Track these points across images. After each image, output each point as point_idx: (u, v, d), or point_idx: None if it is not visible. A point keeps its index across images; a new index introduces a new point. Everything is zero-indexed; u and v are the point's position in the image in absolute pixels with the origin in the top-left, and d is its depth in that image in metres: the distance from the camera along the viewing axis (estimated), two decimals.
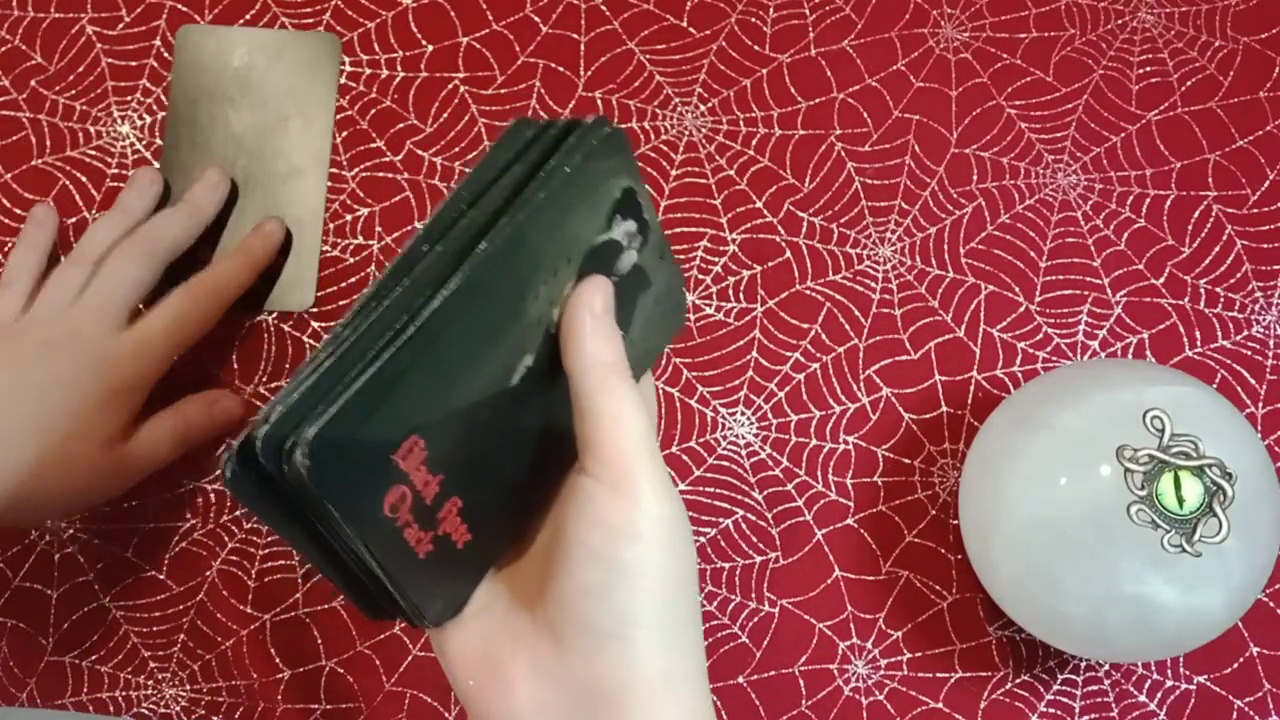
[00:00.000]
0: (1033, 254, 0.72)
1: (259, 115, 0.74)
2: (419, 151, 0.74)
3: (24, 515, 0.64)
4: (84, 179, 0.73)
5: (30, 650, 0.68)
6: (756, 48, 0.75)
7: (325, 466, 0.36)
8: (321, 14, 0.75)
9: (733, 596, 0.68)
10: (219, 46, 0.75)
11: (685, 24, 0.75)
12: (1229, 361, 0.70)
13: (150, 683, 0.68)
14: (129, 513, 0.69)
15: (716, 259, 0.72)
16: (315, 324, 0.71)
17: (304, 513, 0.38)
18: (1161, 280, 0.72)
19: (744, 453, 0.70)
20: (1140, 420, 0.57)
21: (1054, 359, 0.71)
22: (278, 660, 0.68)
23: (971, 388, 0.70)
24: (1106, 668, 0.67)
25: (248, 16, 0.75)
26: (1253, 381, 0.70)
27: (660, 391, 0.70)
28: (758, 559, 0.68)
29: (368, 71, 0.75)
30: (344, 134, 0.74)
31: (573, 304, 0.43)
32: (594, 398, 0.43)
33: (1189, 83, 0.74)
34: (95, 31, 0.75)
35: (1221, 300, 0.71)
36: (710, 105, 0.74)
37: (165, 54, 0.75)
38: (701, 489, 0.69)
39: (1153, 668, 0.67)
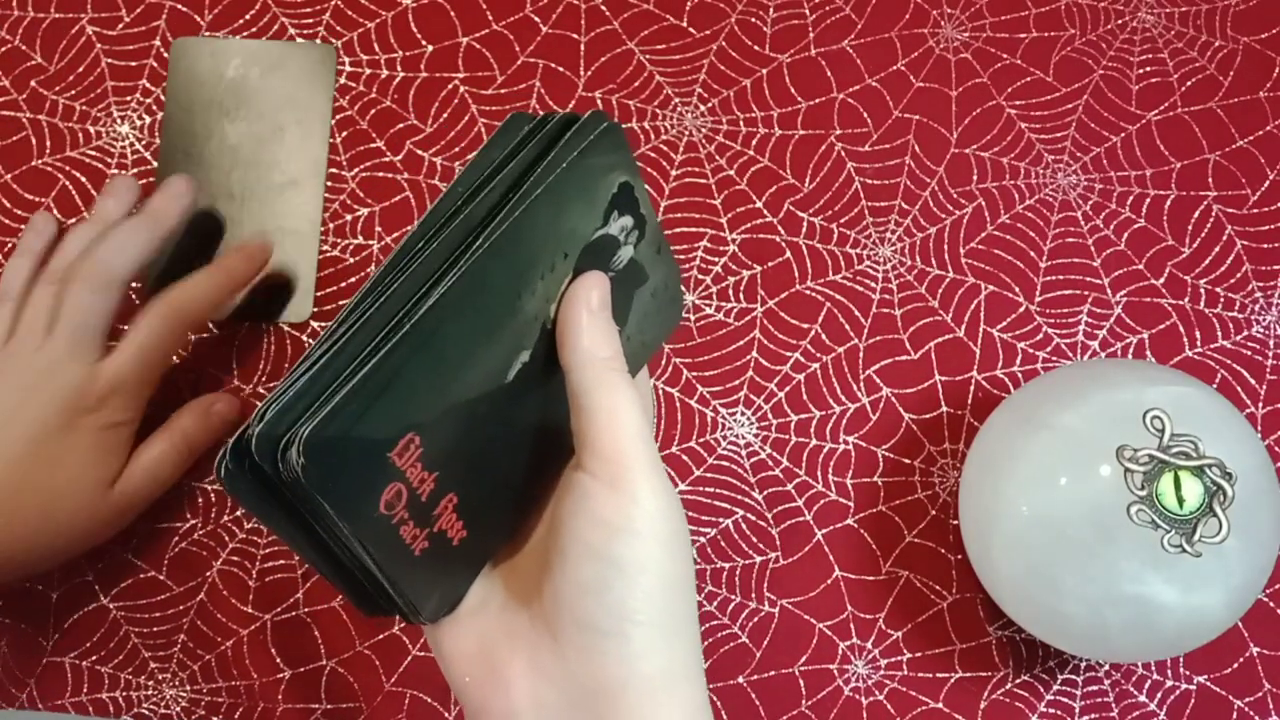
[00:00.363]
0: (1033, 254, 0.72)
1: (254, 126, 0.74)
2: (419, 151, 0.74)
3: (21, 574, 0.64)
4: (84, 179, 0.73)
5: (30, 650, 0.68)
6: (756, 48, 0.75)
7: (320, 464, 0.36)
8: (321, 14, 0.75)
9: (733, 596, 0.68)
10: (213, 58, 0.75)
11: (685, 24, 0.75)
12: (1229, 361, 0.70)
13: (150, 683, 0.67)
14: None
15: (716, 259, 0.72)
16: (315, 324, 0.71)
17: (299, 510, 0.38)
18: (1161, 280, 0.71)
19: (744, 453, 0.70)
20: (1140, 420, 0.57)
21: (1054, 359, 0.70)
22: (278, 660, 0.68)
23: (971, 388, 0.70)
24: (1106, 668, 0.67)
25: (247, 16, 0.75)
26: (1253, 381, 0.70)
27: (660, 391, 0.70)
28: (758, 559, 0.68)
29: (367, 72, 0.75)
30: (344, 134, 0.74)
31: (569, 299, 0.43)
32: (590, 393, 0.43)
33: (1189, 83, 0.74)
34: (95, 32, 0.75)
35: (1221, 300, 0.71)
36: (710, 105, 0.74)
37: (165, 54, 0.75)
38: (701, 489, 0.69)
39: (1153, 668, 0.67)
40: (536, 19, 0.76)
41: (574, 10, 0.76)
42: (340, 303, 0.72)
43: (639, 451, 0.42)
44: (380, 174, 0.73)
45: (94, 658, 0.68)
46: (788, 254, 0.72)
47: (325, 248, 0.72)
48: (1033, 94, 0.74)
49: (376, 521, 0.39)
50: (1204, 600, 0.56)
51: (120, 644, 0.68)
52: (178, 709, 0.67)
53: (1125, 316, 0.71)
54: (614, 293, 0.45)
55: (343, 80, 0.75)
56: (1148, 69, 0.75)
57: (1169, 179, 0.73)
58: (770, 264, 0.72)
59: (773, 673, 0.67)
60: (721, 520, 0.69)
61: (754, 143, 0.74)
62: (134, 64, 0.75)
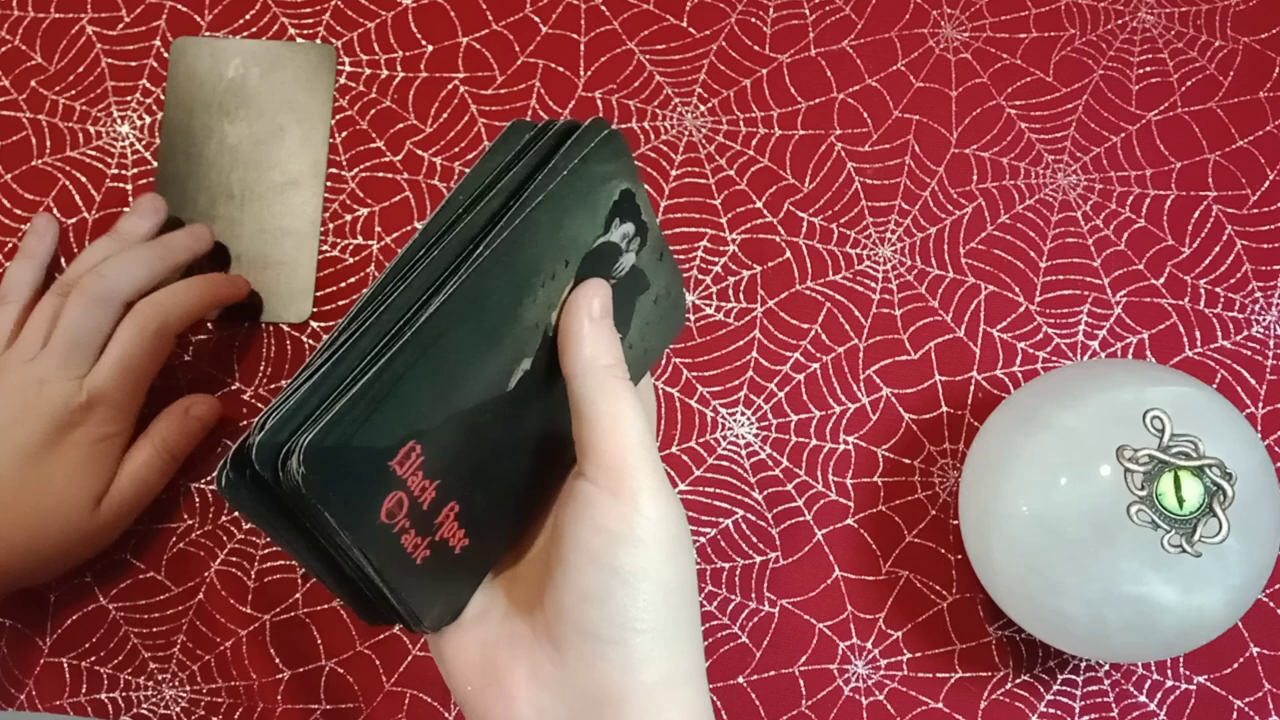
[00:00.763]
0: (1033, 254, 0.72)
1: (254, 126, 0.74)
2: (419, 151, 0.74)
3: (14, 587, 0.64)
4: (84, 179, 0.73)
5: (29, 651, 0.68)
6: (756, 48, 0.75)
7: (321, 474, 0.36)
8: (321, 14, 0.75)
9: (733, 596, 0.68)
10: (213, 58, 0.75)
11: (685, 24, 0.75)
12: (1229, 361, 0.70)
13: (150, 683, 0.68)
14: None
15: (716, 259, 0.72)
16: (314, 324, 0.71)
17: (300, 520, 0.38)
18: (1161, 280, 0.71)
19: (744, 453, 0.70)
20: (1140, 420, 0.57)
21: (1054, 359, 0.70)
22: (277, 660, 0.68)
23: (971, 388, 0.70)
24: (1106, 668, 0.67)
25: (247, 16, 0.75)
26: (1253, 381, 0.70)
27: (660, 391, 0.70)
28: (758, 559, 0.68)
29: (367, 72, 0.75)
30: (344, 134, 0.74)
31: (570, 307, 0.43)
32: (592, 401, 0.43)
33: (1189, 83, 0.74)
34: (95, 32, 0.75)
35: (1221, 300, 0.71)
36: (710, 105, 0.74)
37: (165, 54, 0.75)
38: (701, 489, 0.69)
39: (1153, 668, 0.67)
40: (536, 19, 0.75)
41: (574, 10, 0.76)
42: (340, 302, 0.72)
43: (641, 459, 0.42)
44: (380, 174, 0.73)
45: (93, 658, 0.68)
46: (788, 254, 0.72)
47: (325, 248, 0.72)
48: (1033, 94, 0.74)
49: (378, 530, 0.39)
50: (1204, 600, 0.56)
51: (119, 644, 0.68)
52: (177, 709, 0.67)
53: (1125, 316, 0.71)
54: (616, 300, 0.45)
55: (343, 80, 0.75)
56: (1148, 69, 0.75)
57: (1169, 179, 0.73)
58: (770, 264, 0.72)
59: (773, 673, 0.67)
60: (721, 520, 0.69)
61: (754, 143, 0.74)
62: (134, 64, 0.75)
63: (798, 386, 0.70)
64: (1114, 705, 0.67)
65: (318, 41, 0.75)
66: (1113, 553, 0.56)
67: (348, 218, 0.73)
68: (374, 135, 0.74)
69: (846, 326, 0.71)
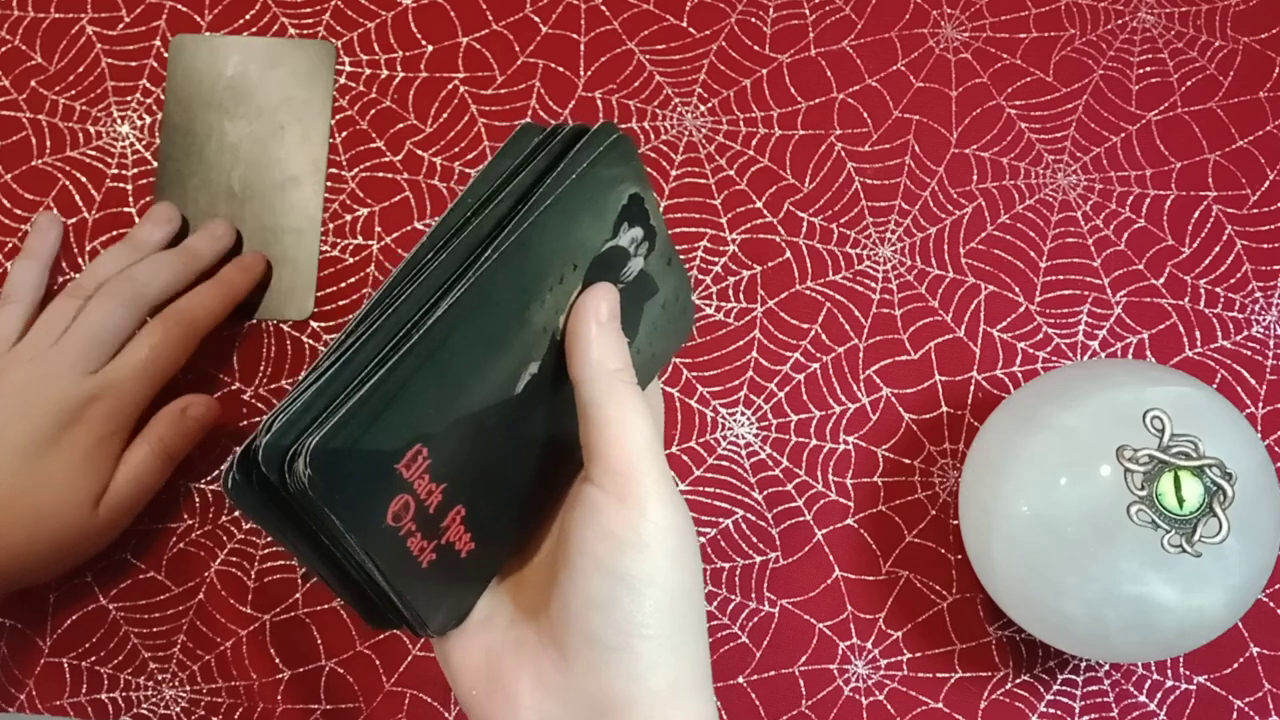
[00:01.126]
0: (1033, 254, 0.72)
1: (255, 124, 0.74)
2: (419, 151, 0.74)
3: (13, 587, 0.64)
4: (84, 179, 0.73)
5: (29, 651, 0.68)
6: (756, 48, 0.75)
7: (327, 476, 0.36)
8: (321, 14, 0.75)
9: (733, 596, 0.68)
10: (212, 56, 0.74)
11: (685, 24, 0.75)
12: (1229, 361, 0.70)
13: (150, 684, 0.67)
14: None
15: (716, 259, 0.72)
16: (315, 324, 0.71)
17: (306, 522, 0.38)
18: (1161, 280, 0.72)
19: (744, 453, 0.70)
20: (1140, 420, 0.57)
21: (1054, 359, 0.71)
22: (277, 660, 0.68)
23: (971, 388, 0.70)
24: (1106, 668, 0.67)
25: (247, 16, 0.75)
26: (1253, 381, 0.70)
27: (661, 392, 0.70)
28: (758, 559, 0.68)
29: (367, 72, 0.75)
30: (344, 134, 0.74)
31: (578, 311, 0.43)
32: (600, 406, 0.42)
33: (1189, 83, 0.74)
34: (95, 32, 0.75)
35: (1221, 300, 0.71)
36: (710, 105, 0.74)
37: (165, 54, 0.75)
38: (701, 489, 0.69)
39: (1153, 668, 0.67)
40: (536, 19, 0.75)
41: (574, 10, 0.76)
42: (340, 302, 0.72)
43: (648, 465, 0.42)
44: (380, 174, 0.73)
45: (93, 658, 0.68)
46: (788, 254, 0.72)
47: (325, 248, 0.72)
48: (1033, 94, 0.74)
49: (384, 533, 0.39)
50: (1204, 600, 0.56)
51: (119, 644, 0.68)
52: (177, 709, 0.67)
53: (1125, 316, 0.71)
54: (624, 304, 0.45)
55: (343, 80, 0.74)
56: (1148, 69, 0.75)
57: (1169, 179, 0.73)
58: (770, 264, 0.72)
59: (773, 673, 0.67)
60: (721, 520, 0.69)
61: (754, 143, 0.74)
62: (134, 64, 0.75)
63: (798, 386, 0.70)
64: (1114, 705, 0.67)
65: (316, 39, 0.75)
66: (1113, 553, 0.56)
67: (348, 218, 0.73)
68: (374, 135, 0.74)
69: (846, 326, 0.71)
